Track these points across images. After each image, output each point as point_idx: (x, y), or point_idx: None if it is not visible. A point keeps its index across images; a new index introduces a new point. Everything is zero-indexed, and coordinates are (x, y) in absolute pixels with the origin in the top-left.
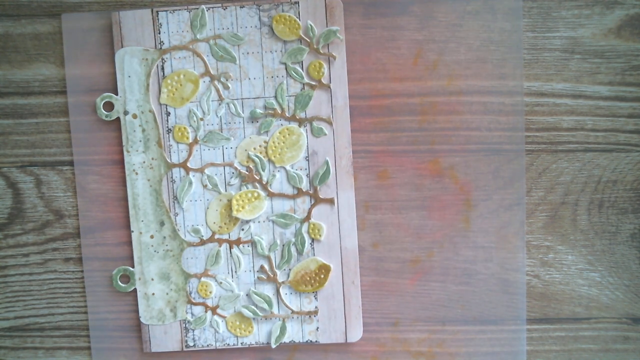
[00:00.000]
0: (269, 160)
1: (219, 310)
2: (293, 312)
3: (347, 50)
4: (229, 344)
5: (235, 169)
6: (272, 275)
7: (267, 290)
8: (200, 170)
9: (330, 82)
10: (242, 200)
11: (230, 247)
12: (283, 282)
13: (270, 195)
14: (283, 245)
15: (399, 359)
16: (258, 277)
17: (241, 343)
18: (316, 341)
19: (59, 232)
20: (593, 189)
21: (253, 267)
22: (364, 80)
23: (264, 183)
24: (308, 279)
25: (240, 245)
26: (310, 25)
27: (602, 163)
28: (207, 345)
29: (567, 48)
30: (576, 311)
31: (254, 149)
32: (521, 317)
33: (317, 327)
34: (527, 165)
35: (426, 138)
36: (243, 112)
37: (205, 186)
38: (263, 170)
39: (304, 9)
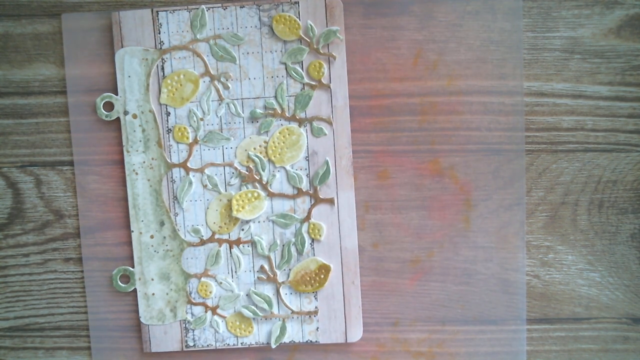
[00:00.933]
0: (269, 160)
1: (219, 310)
2: (293, 312)
3: (347, 50)
4: (229, 344)
5: (235, 169)
6: (272, 275)
7: (267, 290)
8: (200, 170)
9: (330, 82)
10: (242, 200)
11: (230, 247)
12: (283, 282)
13: (270, 195)
14: (283, 245)
15: (399, 359)
16: (258, 277)
17: (241, 343)
18: (316, 341)
19: (59, 232)
20: (593, 189)
21: (253, 267)
22: (364, 80)
23: (264, 183)
24: (308, 279)
25: (240, 245)
26: (310, 25)
27: (602, 163)
28: (207, 346)
29: (567, 48)
30: (576, 311)
31: (254, 149)
32: (521, 317)
33: (317, 327)
34: (527, 165)
35: (426, 138)
36: (243, 112)
37: (205, 186)
38: (263, 170)
39: (304, 9)
